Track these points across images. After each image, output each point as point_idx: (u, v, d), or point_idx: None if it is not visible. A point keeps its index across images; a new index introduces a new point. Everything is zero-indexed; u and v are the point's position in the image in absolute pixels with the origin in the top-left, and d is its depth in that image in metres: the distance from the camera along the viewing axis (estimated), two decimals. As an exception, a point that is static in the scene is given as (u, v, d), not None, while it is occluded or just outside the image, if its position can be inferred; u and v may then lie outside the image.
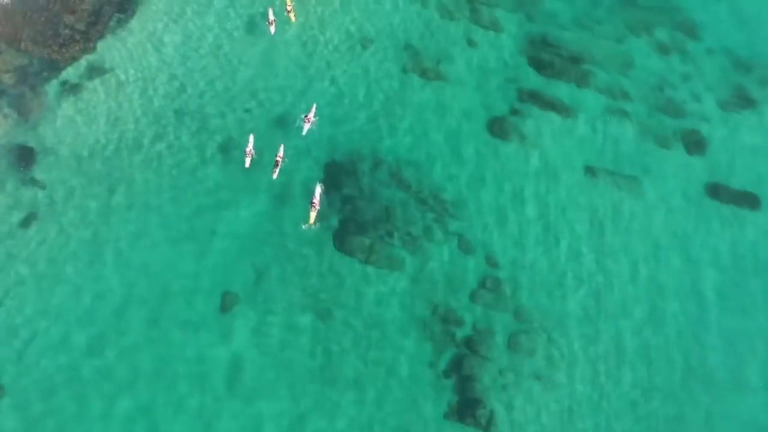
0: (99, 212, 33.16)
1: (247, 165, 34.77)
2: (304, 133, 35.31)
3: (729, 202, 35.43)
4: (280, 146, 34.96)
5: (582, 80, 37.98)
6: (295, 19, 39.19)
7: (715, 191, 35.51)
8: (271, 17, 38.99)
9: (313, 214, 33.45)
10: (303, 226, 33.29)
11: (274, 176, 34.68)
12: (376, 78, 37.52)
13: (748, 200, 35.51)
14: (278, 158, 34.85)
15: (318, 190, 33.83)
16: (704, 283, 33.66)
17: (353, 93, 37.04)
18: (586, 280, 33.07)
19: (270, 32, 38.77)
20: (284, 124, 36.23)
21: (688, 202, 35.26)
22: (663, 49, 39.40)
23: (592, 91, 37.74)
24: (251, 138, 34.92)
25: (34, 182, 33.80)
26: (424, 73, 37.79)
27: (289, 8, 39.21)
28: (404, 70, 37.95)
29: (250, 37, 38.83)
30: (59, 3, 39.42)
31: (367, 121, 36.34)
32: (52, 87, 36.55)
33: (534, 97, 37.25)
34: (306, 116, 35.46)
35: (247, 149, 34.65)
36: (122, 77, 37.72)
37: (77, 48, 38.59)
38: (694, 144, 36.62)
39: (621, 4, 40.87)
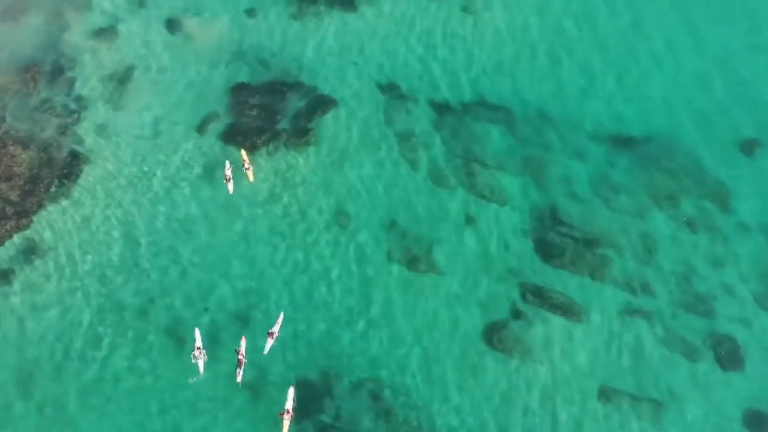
0: None
1: (200, 371, 29.79)
2: (266, 351, 30.07)
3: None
4: (241, 340, 30.01)
5: (597, 271, 32.48)
6: (253, 178, 34.02)
7: (758, 424, 30.15)
8: (228, 173, 33.87)
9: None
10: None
11: (239, 379, 29.70)
12: (354, 270, 32.17)
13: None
14: (240, 357, 29.79)
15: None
16: None
17: (326, 290, 31.73)
18: None
19: (229, 191, 33.78)
20: (246, 321, 31.16)
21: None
22: (690, 226, 33.81)
23: (608, 285, 32.24)
24: (197, 334, 30.00)
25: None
26: (411, 263, 32.35)
27: (246, 165, 34.04)
28: (389, 258, 32.55)
29: (207, 205, 33.79)
30: (-12, 171, 34.11)
31: (345, 327, 31.01)
32: (-26, 278, 31.55)
33: (540, 296, 31.78)
34: (270, 330, 30.20)
35: (195, 350, 29.66)
36: (63, 260, 32.56)
37: (9, 225, 33.30)
38: (728, 356, 31.12)
39: (641, 164, 35.24)
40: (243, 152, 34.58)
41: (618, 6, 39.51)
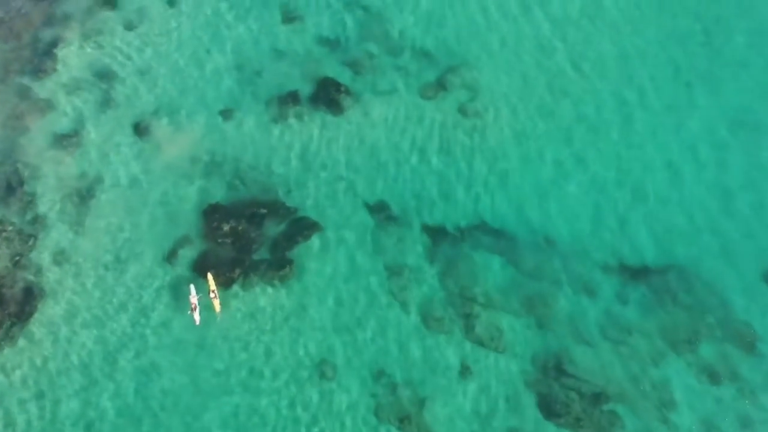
0: None
1: None
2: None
3: None
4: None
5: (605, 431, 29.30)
6: (220, 309, 30.94)
7: None
8: (194, 301, 31.07)
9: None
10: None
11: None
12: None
13: None
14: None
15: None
16: None
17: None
18: None
19: (195, 322, 30.87)
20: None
21: None
22: (712, 375, 30.40)
23: (618, 449, 29.13)
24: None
25: None
26: (402, 423, 29.09)
27: (212, 293, 31.13)
28: (377, 417, 29.30)
29: (177, 347, 30.73)
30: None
31: None
32: None
33: (543, 469, 28.68)
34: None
35: None
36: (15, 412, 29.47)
37: (-43, 376, 30.15)
38: None
39: (656, 299, 31.80)
40: (210, 276, 31.46)
41: (633, 118, 35.80)
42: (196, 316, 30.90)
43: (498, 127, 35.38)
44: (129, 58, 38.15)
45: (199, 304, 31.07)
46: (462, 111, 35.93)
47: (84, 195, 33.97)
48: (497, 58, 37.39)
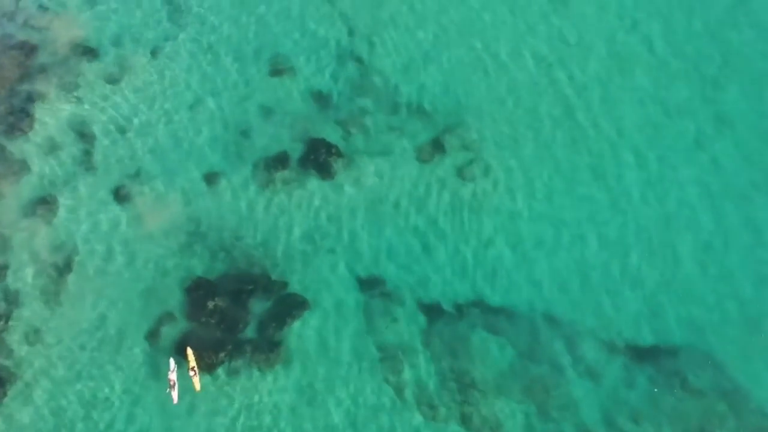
0: None
1: None
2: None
3: None
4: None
5: None
6: (200, 388, 29.20)
7: None
8: (173, 377, 29.40)
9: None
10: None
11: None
12: None
13: None
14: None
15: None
16: None
17: None
18: None
19: (173, 401, 29.20)
20: None
21: None
22: (725, 472, 28.84)
23: None
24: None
25: None
26: None
27: (192, 370, 29.53)
28: None
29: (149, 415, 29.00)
30: None
31: None
32: None
33: None
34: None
35: None
36: None
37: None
38: None
39: (665, 383, 29.93)
40: (189, 351, 29.79)
41: (651, 188, 33.92)
42: (174, 395, 29.19)
43: (498, 194, 33.49)
44: (109, 114, 36.21)
45: (177, 381, 29.32)
46: (460, 175, 34.04)
47: (60, 268, 32.12)
48: (498, 117, 35.45)
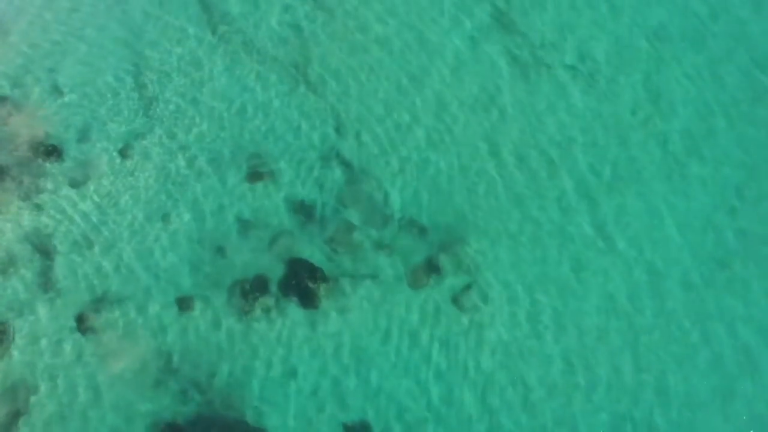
0: None
1: None
2: None
3: None
4: None
5: None
6: None
7: None
8: None
9: None
10: None
11: None
12: None
13: None
14: None
15: None
16: None
17: None
18: None
19: None
20: None
21: None
22: None
23: None
24: None
25: None
26: None
27: None
28: None
29: None
30: None
31: None
32: None
33: None
34: None
35: None
36: None
37: None
38: None
39: None
40: None
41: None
42: None
43: (498, 326, 30.61)
44: (73, 225, 32.99)
45: None
46: (456, 302, 31.11)
47: (14, 413, 29.19)
48: (502, 235, 32.45)
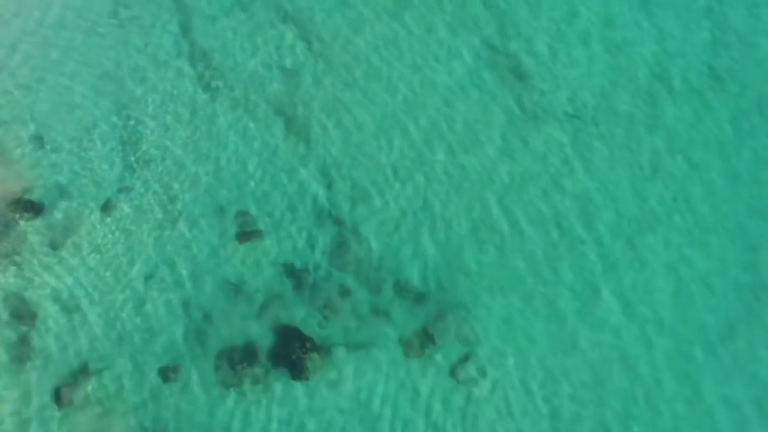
0: None
1: None
2: None
3: None
4: None
5: None
6: None
7: None
8: None
9: None
10: None
11: None
12: None
13: None
14: None
15: None
16: None
17: None
18: None
19: None
20: None
21: None
22: None
23: None
24: None
25: None
26: None
27: None
28: None
29: None
30: None
31: None
32: None
33: None
34: None
35: None
36: None
37: None
38: None
39: None
40: None
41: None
42: None
43: (494, 401, 29.17)
44: (52, 289, 31.48)
45: None
46: (454, 374, 29.67)
47: (-12, 497, 27.80)
48: (503, 302, 31.00)
